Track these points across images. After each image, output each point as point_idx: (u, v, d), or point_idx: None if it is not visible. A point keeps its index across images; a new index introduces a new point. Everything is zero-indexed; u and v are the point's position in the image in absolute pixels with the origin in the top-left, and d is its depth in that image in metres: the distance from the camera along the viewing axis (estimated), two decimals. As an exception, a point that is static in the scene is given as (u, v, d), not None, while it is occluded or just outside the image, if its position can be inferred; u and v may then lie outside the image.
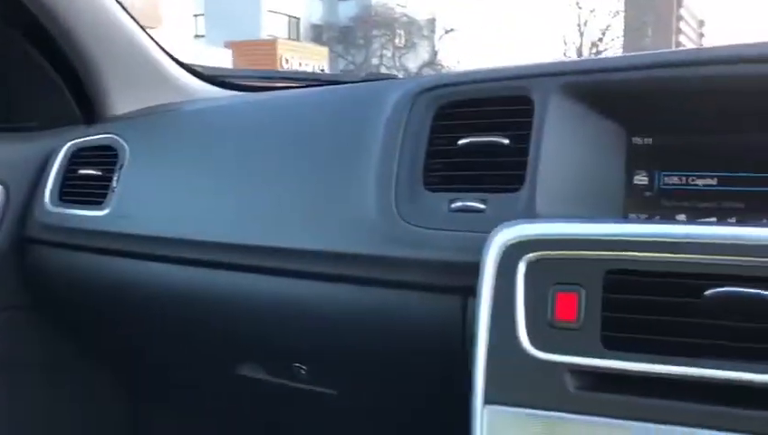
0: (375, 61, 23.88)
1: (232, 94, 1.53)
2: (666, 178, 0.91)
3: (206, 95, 1.50)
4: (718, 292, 0.71)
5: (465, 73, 1.00)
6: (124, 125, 1.28)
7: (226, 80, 1.61)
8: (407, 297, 0.92)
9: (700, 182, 0.90)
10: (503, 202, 0.88)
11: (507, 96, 0.94)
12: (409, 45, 24.99)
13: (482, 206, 0.89)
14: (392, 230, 0.91)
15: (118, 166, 1.21)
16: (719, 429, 0.67)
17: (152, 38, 1.47)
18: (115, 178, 1.20)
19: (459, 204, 0.90)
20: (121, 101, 1.37)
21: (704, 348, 0.70)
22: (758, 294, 0.69)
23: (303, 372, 1.08)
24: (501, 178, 0.90)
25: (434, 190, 0.93)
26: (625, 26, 29.64)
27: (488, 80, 0.96)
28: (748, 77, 0.85)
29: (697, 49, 0.90)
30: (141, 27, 1.43)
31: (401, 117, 0.97)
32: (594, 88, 0.91)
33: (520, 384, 0.74)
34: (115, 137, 1.25)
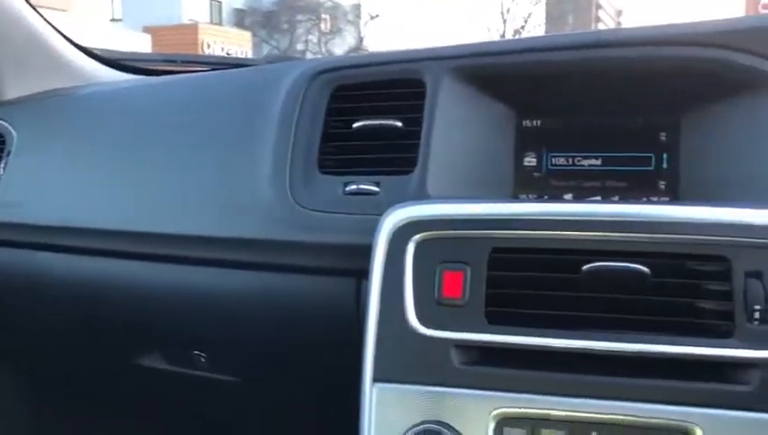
0: (300, 46, 23.61)
1: (132, 78, 1.48)
2: (553, 159, 0.94)
3: (106, 79, 1.45)
4: (594, 266, 0.73)
5: (360, 56, 1.00)
6: (11, 110, 1.22)
7: (128, 63, 1.55)
8: (302, 282, 0.92)
9: (585, 163, 0.93)
10: (395, 184, 0.89)
11: (400, 79, 0.94)
12: (335, 31, 24.85)
13: (375, 188, 0.89)
14: (286, 214, 0.90)
15: (5, 153, 1.16)
16: (599, 397, 0.70)
17: (46, 20, 1.40)
18: (1, 166, 1.14)
19: (353, 187, 0.90)
20: (12, 86, 1.31)
21: (582, 320, 0.73)
22: (630, 267, 0.72)
23: (203, 360, 1.06)
24: (394, 161, 0.91)
25: (329, 173, 0.92)
26: (546, 14, 30.35)
27: (382, 63, 0.97)
28: (626, 60, 0.88)
29: (580, 33, 0.92)
30: (33, 8, 1.36)
31: (296, 100, 0.96)
32: (484, 71, 0.93)
33: (407, 361, 0.75)
34: (2, 122, 1.19)
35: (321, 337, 0.92)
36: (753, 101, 0.85)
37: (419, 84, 0.93)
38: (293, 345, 0.95)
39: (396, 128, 0.92)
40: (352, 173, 0.91)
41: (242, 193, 0.94)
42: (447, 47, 0.97)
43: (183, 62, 1.73)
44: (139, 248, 1.01)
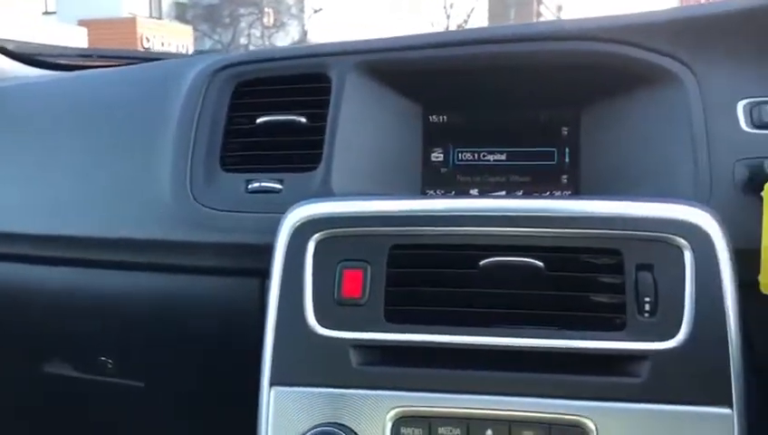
0: (243, 40, 23.26)
1: (42, 74, 1.42)
2: (460, 155, 0.94)
3: (14, 74, 1.38)
4: (491, 261, 0.73)
5: (264, 51, 0.98)
6: None
7: (42, 59, 1.49)
8: (206, 283, 0.89)
9: (491, 158, 0.93)
10: (299, 182, 0.87)
11: (305, 74, 0.93)
12: (279, 25, 24.55)
13: (278, 186, 0.87)
14: (187, 213, 0.88)
15: None
16: (494, 393, 0.70)
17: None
18: None
19: (256, 185, 0.88)
20: None
21: (480, 317, 0.73)
22: (525, 262, 0.73)
23: (110, 366, 1.03)
24: (298, 158, 0.89)
25: (231, 171, 0.90)
26: (489, 9, 30.69)
27: (286, 57, 0.95)
28: (528, 55, 0.89)
29: (483, 28, 0.93)
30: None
31: (197, 96, 0.93)
32: (389, 66, 0.92)
33: (305, 363, 0.73)
34: None
35: (226, 339, 0.90)
36: (649, 95, 0.86)
37: (324, 79, 0.91)
38: (199, 348, 0.93)
39: (300, 124, 0.90)
40: (255, 171, 0.89)
41: (141, 193, 0.91)
42: (353, 42, 0.95)
43: (99, 56, 1.67)
44: (37, 251, 0.97)
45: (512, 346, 0.71)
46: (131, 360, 1.01)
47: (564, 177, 0.91)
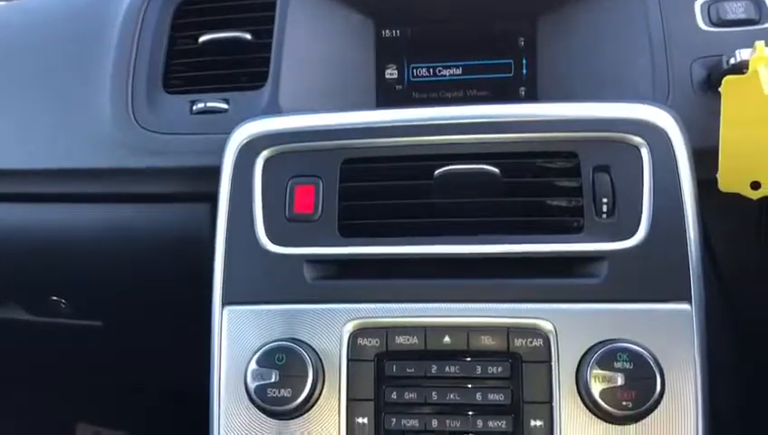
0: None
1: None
2: (415, 71, 0.91)
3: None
4: (446, 170, 0.71)
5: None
6: None
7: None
8: (154, 211, 0.86)
9: (447, 72, 0.90)
10: (246, 101, 0.83)
11: None
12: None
13: (224, 106, 0.84)
14: (129, 138, 0.84)
15: None
16: (450, 301, 0.68)
17: None
18: None
19: (201, 105, 0.84)
20: None
21: (437, 226, 0.71)
22: (480, 169, 0.70)
23: (64, 306, 0.99)
24: (244, 77, 0.85)
25: (175, 93, 0.86)
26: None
27: (229, -27, 0.90)
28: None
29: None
30: None
31: (137, 16, 0.88)
32: (338, -22, 0.88)
33: (258, 281, 0.71)
34: None
35: (181, 270, 0.87)
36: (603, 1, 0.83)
37: None
38: (152, 281, 0.90)
39: (245, 41, 0.86)
40: (200, 92, 0.85)
41: (82, 121, 0.87)
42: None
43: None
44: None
45: (468, 254, 0.69)
46: (84, 298, 0.98)
47: (522, 88, 0.88)
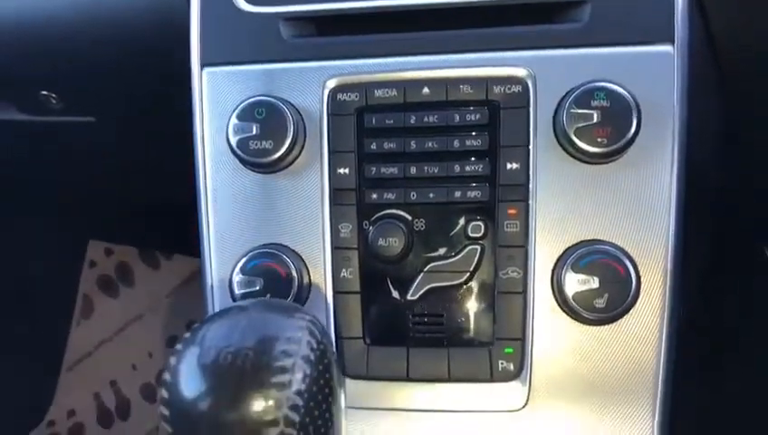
0: None
1: None
2: None
3: None
4: None
5: None
6: None
7: None
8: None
9: None
10: None
11: None
12: None
13: None
14: None
15: None
16: (429, 53, 0.67)
17: None
18: None
19: None
20: None
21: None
22: None
23: (54, 102, 1.00)
24: None
25: None
26: None
27: None
28: None
29: None
30: None
31: None
32: None
33: (236, 41, 0.70)
34: None
35: (159, 37, 0.85)
36: None
37: None
38: (134, 52, 0.88)
39: None
40: None
41: None
42: None
43: None
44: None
45: (446, 3, 0.67)
46: (73, 90, 0.98)
47: None
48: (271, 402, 0.33)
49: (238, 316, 0.37)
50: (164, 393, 0.35)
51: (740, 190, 0.92)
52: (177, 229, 1.33)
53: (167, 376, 0.35)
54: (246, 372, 0.33)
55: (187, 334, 0.36)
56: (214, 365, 0.33)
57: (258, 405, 0.33)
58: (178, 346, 0.36)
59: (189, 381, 0.34)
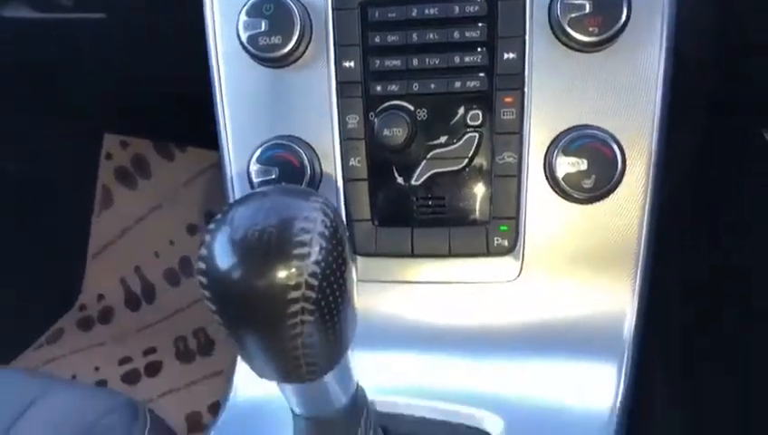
0: None
1: None
2: None
3: None
4: None
5: None
6: None
7: None
8: None
9: None
10: None
11: None
12: None
13: None
14: None
15: None
16: None
17: None
18: None
19: None
20: None
21: None
22: None
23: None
24: None
25: None
26: None
27: None
28: None
29: None
30: None
31: None
32: None
33: None
34: None
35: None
36: None
37: None
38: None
39: None
40: None
41: None
42: None
43: None
44: None
45: None
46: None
47: None
48: (294, 270, 0.39)
49: (261, 200, 0.42)
50: (201, 265, 0.40)
51: (739, 81, 0.94)
52: (190, 123, 1.38)
53: (203, 251, 0.41)
54: (272, 246, 0.39)
55: (218, 216, 0.42)
56: (243, 241, 0.39)
57: (283, 273, 0.39)
58: (211, 226, 0.41)
59: (223, 255, 0.40)
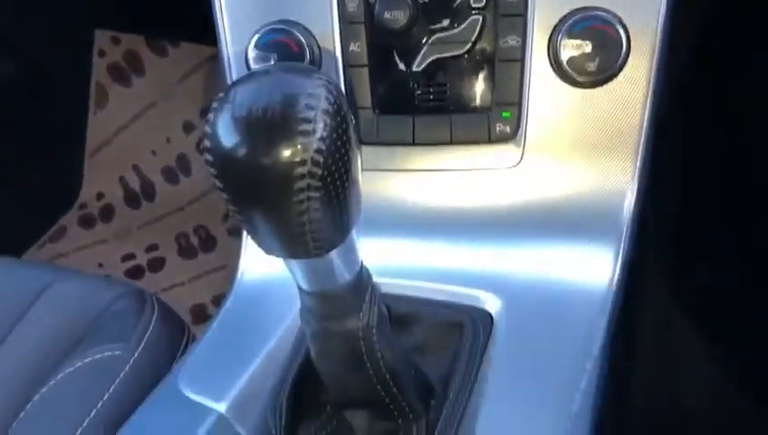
0: None
1: None
2: None
3: None
4: None
5: None
6: None
7: None
8: None
9: None
10: None
11: None
12: None
13: None
14: None
15: None
16: None
17: None
18: None
19: None
20: None
21: None
22: None
23: None
24: None
25: None
26: None
27: None
28: None
29: None
30: None
31: None
32: None
33: None
34: None
35: None
36: None
37: None
38: None
39: None
40: None
41: None
42: None
43: None
44: None
45: None
46: None
47: None
48: (299, 147, 0.38)
49: (264, 78, 0.42)
50: (207, 143, 0.40)
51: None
52: (181, 17, 1.34)
53: (207, 129, 0.40)
54: (276, 123, 0.39)
55: (221, 94, 0.41)
56: (247, 118, 0.39)
57: (288, 150, 0.38)
58: (214, 104, 0.41)
59: (227, 134, 0.39)
